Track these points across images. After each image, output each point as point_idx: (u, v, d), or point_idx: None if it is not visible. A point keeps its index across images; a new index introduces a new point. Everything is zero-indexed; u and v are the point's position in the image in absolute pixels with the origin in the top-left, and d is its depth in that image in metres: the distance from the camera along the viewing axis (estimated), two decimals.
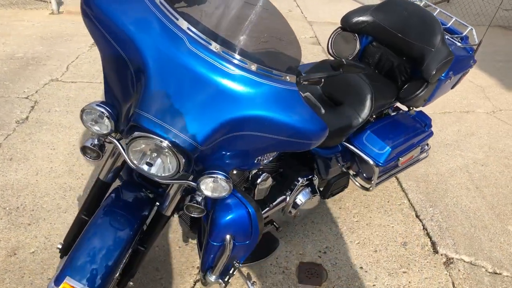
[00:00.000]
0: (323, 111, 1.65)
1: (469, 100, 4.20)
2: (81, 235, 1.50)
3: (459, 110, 4.01)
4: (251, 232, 1.64)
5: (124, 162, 1.65)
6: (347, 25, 2.41)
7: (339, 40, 2.47)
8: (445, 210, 2.72)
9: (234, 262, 1.70)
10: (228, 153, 1.48)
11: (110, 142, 1.51)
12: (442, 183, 2.98)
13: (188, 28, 1.36)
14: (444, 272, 2.28)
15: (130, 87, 1.42)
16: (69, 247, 1.74)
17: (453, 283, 2.22)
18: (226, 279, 1.72)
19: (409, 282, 2.20)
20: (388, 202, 2.75)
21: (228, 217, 1.59)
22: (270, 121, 1.38)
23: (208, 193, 1.44)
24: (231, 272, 1.71)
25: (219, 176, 1.39)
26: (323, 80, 1.54)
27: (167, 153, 1.34)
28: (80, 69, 4.14)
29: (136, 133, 1.32)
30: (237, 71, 1.33)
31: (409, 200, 2.78)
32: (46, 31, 5.11)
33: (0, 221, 2.32)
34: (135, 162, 1.40)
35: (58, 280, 1.42)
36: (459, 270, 2.31)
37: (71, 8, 6.16)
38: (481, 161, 3.28)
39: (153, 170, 1.39)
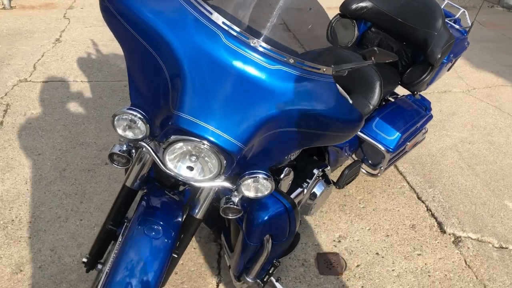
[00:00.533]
0: (350, 101, 1.63)
1: (444, 80, 4.31)
2: (119, 249, 1.40)
3: (437, 90, 4.11)
4: (289, 229, 1.60)
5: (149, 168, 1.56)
6: (346, 11, 2.38)
7: (338, 27, 2.45)
8: (444, 190, 2.78)
9: (274, 261, 1.66)
10: (266, 151, 1.42)
11: (139, 147, 1.42)
12: (435, 163, 3.04)
13: (224, 23, 1.28)
14: (455, 251, 2.34)
15: (163, 87, 1.33)
16: (95, 259, 1.64)
17: (465, 261, 2.28)
18: (265, 279, 1.67)
19: (425, 264, 2.24)
20: (389, 186, 2.78)
21: (267, 217, 1.54)
22: (311, 116, 1.34)
23: (249, 193, 1.38)
24: (271, 271, 1.66)
25: (261, 176, 1.34)
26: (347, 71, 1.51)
27: (210, 156, 1.27)
28: (49, 67, 3.92)
29: (174, 137, 1.24)
30: (275, 66, 1.27)
31: (408, 183, 2.83)
32: (2, 28, 4.80)
33: None
34: (171, 167, 1.32)
35: None
36: (468, 248, 2.37)
37: (24, 2, 5.81)
38: (467, 139, 3.38)
39: (194, 174, 1.32)
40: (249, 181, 1.35)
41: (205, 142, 1.21)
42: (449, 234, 2.45)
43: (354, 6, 2.36)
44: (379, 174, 2.39)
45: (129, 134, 1.36)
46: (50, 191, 2.46)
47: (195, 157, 1.30)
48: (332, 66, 1.38)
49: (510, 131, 3.55)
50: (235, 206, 1.40)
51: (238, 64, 1.26)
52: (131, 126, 1.36)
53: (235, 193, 1.39)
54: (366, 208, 2.57)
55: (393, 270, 2.19)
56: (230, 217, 1.46)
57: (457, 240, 2.41)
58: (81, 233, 2.22)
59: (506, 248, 2.40)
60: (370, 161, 2.40)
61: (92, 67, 4.01)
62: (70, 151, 2.82)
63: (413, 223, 2.50)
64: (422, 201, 2.67)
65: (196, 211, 1.53)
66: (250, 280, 1.66)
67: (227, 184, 1.37)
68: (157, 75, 1.33)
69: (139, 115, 1.33)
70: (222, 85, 1.26)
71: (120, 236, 1.53)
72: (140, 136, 1.36)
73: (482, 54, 5.20)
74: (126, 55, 1.43)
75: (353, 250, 2.28)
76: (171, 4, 1.35)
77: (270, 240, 1.58)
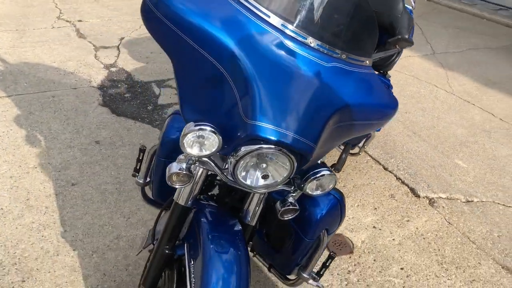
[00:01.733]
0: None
1: None
2: (202, 273, 1.31)
3: None
4: (340, 220, 1.64)
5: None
6: None
7: None
8: (404, 158, 3.03)
9: (331, 252, 1.68)
10: (323, 148, 1.44)
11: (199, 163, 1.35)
12: (386, 135, 3.29)
13: (282, 25, 1.26)
14: (434, 212, 2.58)
15: (228, 97, 1.26)
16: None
17: (445, 219, 2.53)
18: (322, 272, 1.69)
19: (416, 228, 2.44)
20: (356, 162, 2.95)
21: (324, 212, 1.55)
22: (364, 107, 1.39)
23: (312, 192, 1.39)
24: (327, 264, 1.68)
25: (326, 173, 1.36)
26: None
27: (284, 161, 1.25)
28: None
29: (251, 147, 1.20)
30: (331, 63, 1.29)
31: (371, 157, 3.02)
32: None
33: None
34: (240, 178, 1.28)
35: None
36: (443, 207, 2.63)
37: None
38: (402, 109, 3.69)
39: (268, 181, 1.30)
40: (315, 180, 1.36)
41: (283, 147, 1.19)
42: (423, 198, 2.69)
43: None
44: (360, 153, 2.52)
45: (196, 151, 1.28)
46: (23, 225, 2.18)
47: (264, 165, 1.27)
48: (371, 57, 1.43)
49: (432, 97, 3.95)
50: (293, 207, 1.40)
51: (300, 65, 1.25)
52: (199, 142, 1.28)
53: (293, 194, 1.39)
54: (346, 186, 2.71)
55: (393, 239, 2.35)
56: (286, 219, 1.45)
57: (431, 202, 2.66)
58: (81, 264, 2.02)
59: (472, 201, 2.70)
60: (351, 142, 2.52)
61: (4, 79, 3.57)
62: (24, 176, 2.51)
63: (391, 193, 2.69)
64: (390, 171, 2.88)
65: (249, 218, 1.50)
66: (307, 276, 1.67)
67: (285, 188, 1.37)
68: (219, 85, 1.25)
69: (210, 129, 1.25)
70: (289, 89, 1.24)
71: (188, 259, 1.42)
72: (213, 150, 1.28)
73: None
74: (177, 66, 1.33)
75: (352, 228, 2.40)
76: (225, 8, 1.28)
77: (326, 233, 1.60)
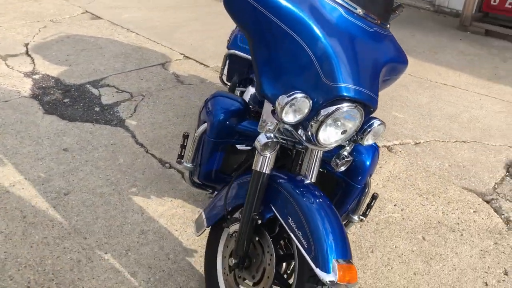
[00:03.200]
0: None
1: None
2: (309, 223, 1.44)
3: None
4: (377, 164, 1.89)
5: None
6: None
7: None
8: None
9: (374, 193, 1.92)
10: None
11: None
12: None
13: (343, 0, 1.48)
14: (396, 156, 2.99)
15: (307, 65, 1.43)
16: (244, 258, 1.61)
17: (406, 160, 2.96)
18: (367, 213, 1.92)
19: (390, 171, 2.82)
20: None
21: (370, 160, 1.79)
22: (395, 63, 1.67)
23: (368, 142, 1.62)
24: (372, 204, 1.92)
25: (378, 122, 1.60)
26: None
27: (356, 115, 1.47)
28: None
29: (336, 107, 1.40)
30: (373, 28, 1.56)
31: None
32: None
33: None
34: (321, 138, 1.47)
35: (325, 265, 1.38)
36: (400, 151, 3.06)
37: None
38: None
39: (344, 136, 1.51)
40: (371, 131, 1.59)
41: (358, 103, 1.41)
42: (383, 147, 3.09)
43: None
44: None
45: (291, 118, 1.43)
46: (36, 243, 2.06)
47: (339, 122, 1.47)
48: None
49: None
50: (347, 159, 1.62)
51: (357, 32, 1.49)
52: (293, 108, 1.43)
53: (347, 147, 1.60)
54: None
55: (377, 184, 2.70)
56: (342, 169, 1.67)
57: (390, 149, 3.07)
58: (121, 264, 1.99)
59: (419, 142, 3.18)
60: None
61: None
62: (7, 196, 2.32)
63: None
64: None
65: (310, 176, 1.65)
66: (357, 219, 1.90)
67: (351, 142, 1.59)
68: (300, 57, 1.42)
69: (301, 95, 1.40)
70: (355, 52, 1.47)
71: (284, 218, 1.53)
72: (303, 115, 1.44)
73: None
74: (257, 45, 1.46)
75: None
76: None
77: (370, 178, 1.85)
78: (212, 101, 1.80)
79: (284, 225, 1.49)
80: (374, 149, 1.81)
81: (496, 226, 2.35)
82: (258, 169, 1.54)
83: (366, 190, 1.84)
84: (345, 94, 1.39)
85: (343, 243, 1.42)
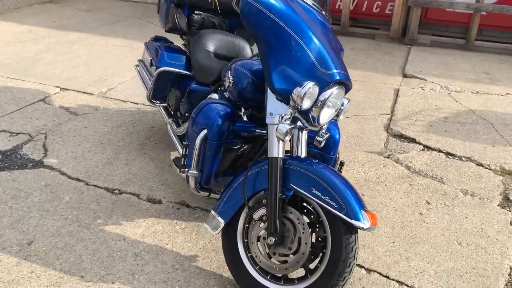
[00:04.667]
0: None
1: None
2: (334, 189, 1.74)
3: None
4: None
5: None
6: (183, 1, 2.82)
7: (178, 15, 2.86)
8: None
9: (341, 161, 2.30)
10: None
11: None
12: None
13: (314, 4, 1.88)
14: None
15: (306, 59, 1.78)
16: (282, 237, 1.83)
17: None
18: None
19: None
20: None
21: (338, 133, 2.18)
22: (342, 51, 2.14)
23: (339, 118, 2.04)
24: (341, 170, 2.29)
25: (347, 101, 2.02)
26: None
27: (342, 95, 1.89)
28: None
29: (335, 88, 1.79)
30: (330, 25, 2.00)
31: None
32: None
33: None
34: (321, 119, 1.84)
35: (357, 216, 1.70)
36: None
37: None
38: None
39: (332, 114, 1.90)
40: (343, 109, 2.00)
41: (343, 84, 1.83)
42: None
43: None
44: None
45: (307, 104, 1.75)
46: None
47: (330, 103, 1.86)
48: None
49: None
50: (326, 135, 2.02)
51: (325, 28, 1.91)
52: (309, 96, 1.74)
53: (324, 126, 2.00)
54: None
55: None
56: (322, 145, 2.06)
57: None
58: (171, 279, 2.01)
59: None
60: None
61: None
62: None
63: None
64: None
65: (302, 154, 1.98)
66: None
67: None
68: (301, 52, 1.76)
69: (313, 84, 1.73)
70: (330, 43, 1.88)
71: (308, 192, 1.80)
72: (313, 101, 1.77)
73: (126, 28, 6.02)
74: (268, 48, 1.75)
75: None
76: (290, 2, 1.79)
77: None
78: (206, 108, 1.98)
79: (310, 196, 1.78)
80: (337, 125, 2.22)
81: (403, 173, 2.99)
82: (275, 155, 1.80)
83: (338, 159, 2.24)
84: (338, 78, 1.76)
85: (359, 196, 1.77)
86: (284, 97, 1.77)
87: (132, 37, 5.59)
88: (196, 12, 2.94)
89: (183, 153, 2.03)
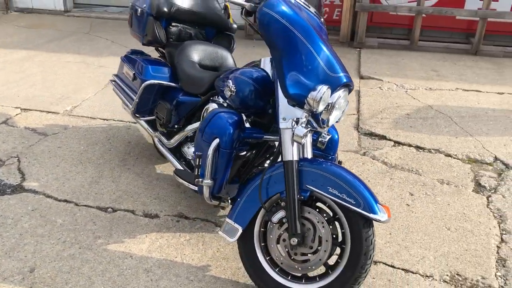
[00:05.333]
0: None
1: None
2: (347, 183, 1.82)
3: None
4: None
5: None
6: (159, 14, 2.81)
7: (157, 27, 2.85)
8: None
9: (339, 161, 2.39)
10: None
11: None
12: None
13: (315, 11, 1.98)
14: None
15: (316, 64, 1.87)
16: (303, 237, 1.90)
17: None
18: None
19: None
20: None
21: (337, 134, 2.27)
22: None
23: (341, 119, 2.15)
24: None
25: (347, 103, 2.14)
26: None
27: (346, 96, 1.99)
28: None
29: (342, 91, 1.90)
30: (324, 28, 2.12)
31: None
32: None
33: None
34: (330, 120, 1.94)
35: (374, 210, 1.80)
36: None
37: None
38: None
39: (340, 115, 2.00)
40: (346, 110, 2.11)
41: (348, 86, 1.94)
42: None
43: (167, 9, 2.81)
44: None
45: (322, 107, 1.83)
46: None
47: (337, 105, 1.96)
48: None
49: None
50: (329, 136, 2.14)
51: (325, 33, 2.01)
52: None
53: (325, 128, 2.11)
54: None
55: None
56: (324, 146, 2.17)
57: None
58: None
59: None
60: None
61: None
62: None
63: None
64: None
65: (308, 155, 2.07)
66: None
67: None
68: (311, 59, 1.85)
69: (326, 87, 1.82)
70: (331, 48, 1.96)
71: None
72: (327, 102, 1.85)
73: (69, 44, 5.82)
74: (283, 53, 1.81)
75: None
76: (300, 9, 1.87)
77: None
78: (216, 118, 2.01)
79: (327, 195, 1.86)
80: (334, 126, 2.32)
81: (382, 168, 3.16)
82: (290, 159, 1.87)
83: (337, 158, 2.34)
84: (345, 81, 1.86)
85: (371, 191, 1.87)
86: (298, 101, 1.84)
87: (85, 52, 5.44)
88: (173, 24, 2.95)
89: (197, 163, 2.04)
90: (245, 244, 2.02)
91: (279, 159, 1.95)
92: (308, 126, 1.87)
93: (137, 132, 3.55)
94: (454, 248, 2.38)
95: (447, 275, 2.20)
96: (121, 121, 3.73)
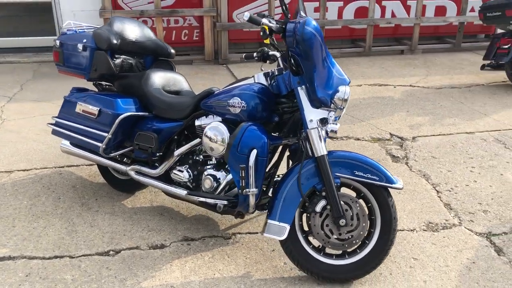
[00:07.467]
0: None
1: None
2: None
3: None
4: None
5: None
6: (112, 47, 2.76)
7: (110, 61, 2.79)
8: None
9: None
10: None
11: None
12: None
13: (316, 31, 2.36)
14: None
15: (331, 74, 2.22)
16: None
17: None
18: None
19: None
20: None
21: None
22: None
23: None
24: None
25: None
26: None
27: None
28: None
29: (343, 94, 2.31)
30: None
31: None
32: None
33: None
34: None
35: (393, 181, 2.24)
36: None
37: None
38: None
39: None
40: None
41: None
42: None
43: (116, 41, 2.77)
44: None
45: (346, 103, 2.20)
46: None
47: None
48: None
49: None
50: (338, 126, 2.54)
51: None
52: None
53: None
54: None
55: None
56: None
57: None
58: None
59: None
60: None
61: None
62: None
63: None
64: None
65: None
66: None
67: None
68: (328, 66, 2.20)
69: (346, 86, 2.20)
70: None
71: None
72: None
73: None
74: (315, 64, 2.12)
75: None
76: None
77: None
78: (248, 131, 2.20)
79: (355, 178, 2.24)
80: None
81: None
82: (322, 154, 2.19)
83: None
84: (349, 80, 2.27)
85: (382, 165, 2.31)
86: (324, 103, 2.16)
87: None
88: (116, 56, 2.93)
89: (241, 175, 2.17)
90: (291, 239, 2.23)
91: (304, 159, 2.23)
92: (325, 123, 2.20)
93: (73, 175, 3.33)
94: (414, 206, 2.98)
95: (423, 225, 2.77)
96: (45, 168, 3.43)
